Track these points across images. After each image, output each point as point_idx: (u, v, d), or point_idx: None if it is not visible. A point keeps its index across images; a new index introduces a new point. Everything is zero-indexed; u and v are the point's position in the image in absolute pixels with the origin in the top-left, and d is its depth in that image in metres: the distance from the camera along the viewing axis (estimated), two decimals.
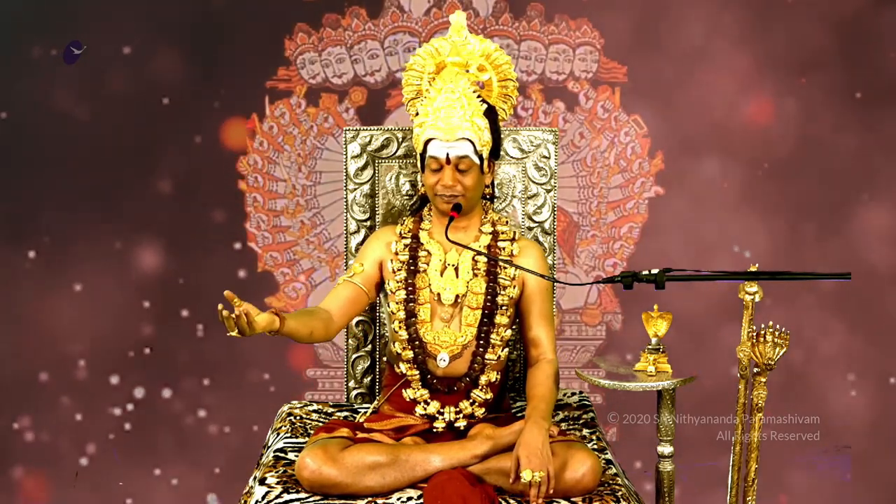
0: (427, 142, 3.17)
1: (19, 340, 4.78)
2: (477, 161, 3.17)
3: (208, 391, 4.82)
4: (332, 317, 3.17)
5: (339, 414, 3.48)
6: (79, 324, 4.78)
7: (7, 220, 4.76)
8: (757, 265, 3.06)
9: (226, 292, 2.82)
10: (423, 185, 3.29)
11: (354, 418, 3.41)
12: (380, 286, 3.29)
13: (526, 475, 2.90)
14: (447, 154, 3.15)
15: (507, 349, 3.26)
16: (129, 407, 4.81)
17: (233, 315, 2.83)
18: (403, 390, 3.23)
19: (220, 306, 2.80)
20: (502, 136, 3.46)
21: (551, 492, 2.92)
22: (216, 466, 4.82)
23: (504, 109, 3.33)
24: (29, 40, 4.70)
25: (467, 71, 3.27)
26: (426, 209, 3.32)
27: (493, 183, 3.37)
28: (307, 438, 3.24)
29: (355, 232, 3.55)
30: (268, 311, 2.94)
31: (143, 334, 4.80)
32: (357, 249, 3.50)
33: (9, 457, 4.80)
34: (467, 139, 3.14)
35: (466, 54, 3.26)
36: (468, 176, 3.17)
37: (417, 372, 3.20)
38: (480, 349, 3.20)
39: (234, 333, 2.85)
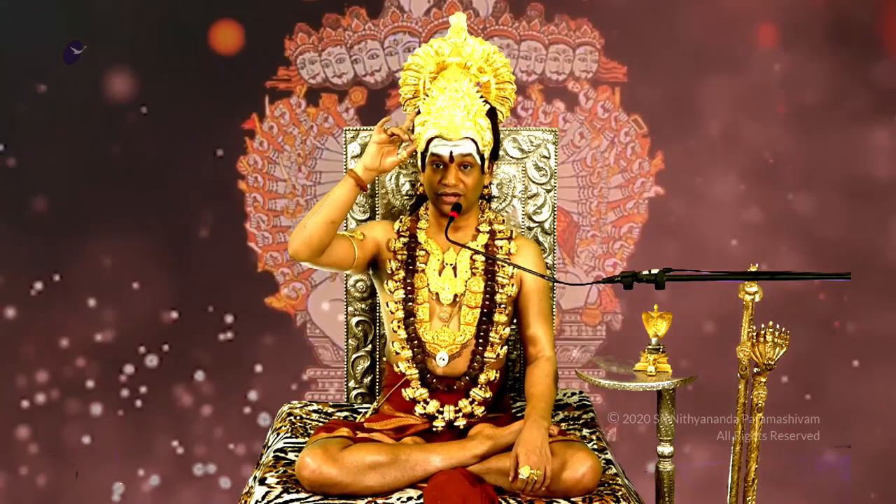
0: (429, 141, 3.17)
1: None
2: (479, 161, 3.17)
3: (209, 389, 4.82)
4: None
5: (339, 414, 3.48)
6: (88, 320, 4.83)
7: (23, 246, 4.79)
8: (757, 265, 3.06)
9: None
10: (421, 185, 3.29)
11: (354, 418, 3.41)
12: (366, 266, 3.29)
13: (524, 472, 2.90)
14: (450, 152, 3.15)
15: (505, 348, 3.26)
16: (143, 389, 4.83)
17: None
18: (403, 390, 3.23)
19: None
20: (502, 136, 3.46)
21: (543, 489, 2.92)
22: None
23: (502, 112, 3.33)
24: (32, 73, 4.71)
25: (468, 71, 3.26)
26: (423, 208, 3.32)
27: (490, 183, 3.37)
28: (307, 438, 3.24)
29: None
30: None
31: (150, 332, 4.83)
32: None
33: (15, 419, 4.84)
34: (470, 139, 3.15)
35: (466, 55, 3.26)
36: (470, 175, 3.17)
37: (417, 371, 3.20)
38: (479, 348, 3.20)
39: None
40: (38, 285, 4.78)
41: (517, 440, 2.97)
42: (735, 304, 3.09)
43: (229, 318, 4.81)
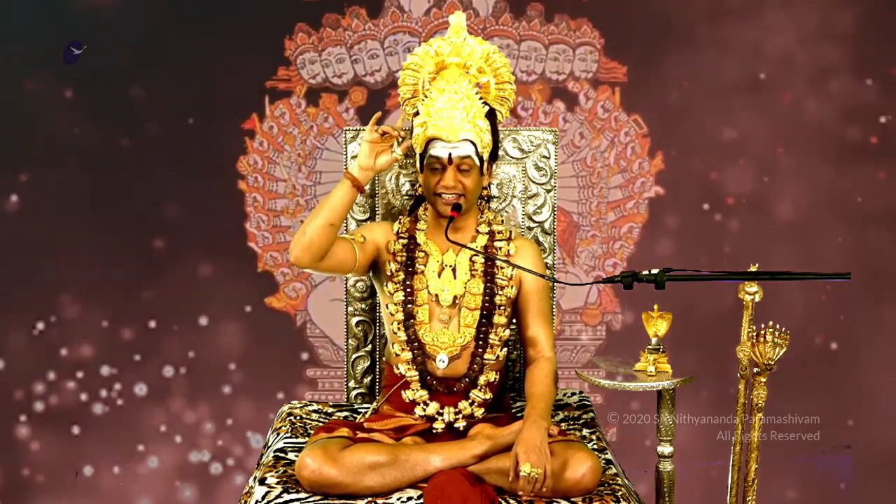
0: (428, 142, 3.16)
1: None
2: (478, 163, 3.17)
3: (210, 386, 4.83)
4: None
5: (339, 414, 3.48)
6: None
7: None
8: (757, 265, 3.05)
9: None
10: (420, 186, 3.29)
11: (354, 418, 3.41)
12: (367, 269, 3.28)
13: (525, 468, 2.89)
14: (449, 154, 3.14)
15: (505, 349, 3.26)
16: (141, 386, 4.84)
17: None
18: (402, 391, 3.22)
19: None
20: (502, 136, 3.46)
21: (545, 490, 2.92)
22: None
23: (501, 112, 3.33)
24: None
25: (467, 72, 3.26)
26: (421, 209, 3.32)
27: (490, 183, 3.36)
28: (307, 438, 3.24)
29: None
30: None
31: (150, 330, 4.83)
32: None
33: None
34: (469, 140, 3.14)
35: (466, 55, 3.25)
36: (469, 177, 3.17)
37: (417, 373, 3.20)
38: (479, 350, 3.20)
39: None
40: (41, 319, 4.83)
41: (517, 440, 2.97)
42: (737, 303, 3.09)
43: (229, 318, 4.81)
